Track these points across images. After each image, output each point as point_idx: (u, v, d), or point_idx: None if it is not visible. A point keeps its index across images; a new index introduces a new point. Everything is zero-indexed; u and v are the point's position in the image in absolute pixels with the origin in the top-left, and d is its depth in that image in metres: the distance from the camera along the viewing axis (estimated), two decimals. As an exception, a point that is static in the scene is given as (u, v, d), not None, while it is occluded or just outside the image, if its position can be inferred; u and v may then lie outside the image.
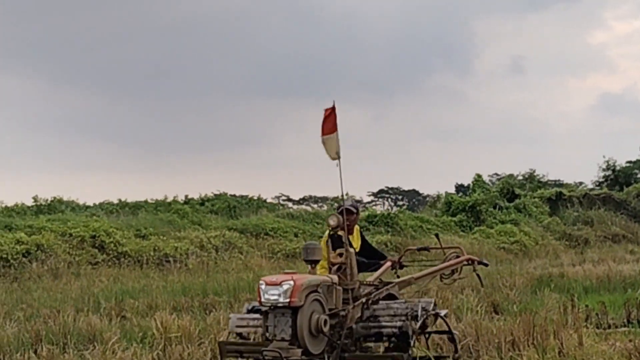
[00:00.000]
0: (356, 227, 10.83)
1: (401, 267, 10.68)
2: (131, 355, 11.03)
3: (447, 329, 9.69)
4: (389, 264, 10.47)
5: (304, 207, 54.46)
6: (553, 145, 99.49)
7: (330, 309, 8.54)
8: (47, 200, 38.99)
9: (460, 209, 45.43)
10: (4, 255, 27.44)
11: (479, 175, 51.59)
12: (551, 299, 17.64)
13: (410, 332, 8.73)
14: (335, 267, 9.04)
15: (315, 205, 58.52)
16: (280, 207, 48.52)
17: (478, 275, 10.57)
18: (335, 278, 8.76)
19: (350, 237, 10.42)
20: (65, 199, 40.08)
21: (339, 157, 8.82)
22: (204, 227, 35.71)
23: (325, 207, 54.12)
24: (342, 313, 8.66)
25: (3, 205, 35.93)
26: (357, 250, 10.42)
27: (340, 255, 9.03)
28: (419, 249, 10.93)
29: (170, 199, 42.23)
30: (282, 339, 8.22)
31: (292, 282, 8.18)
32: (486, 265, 10.67)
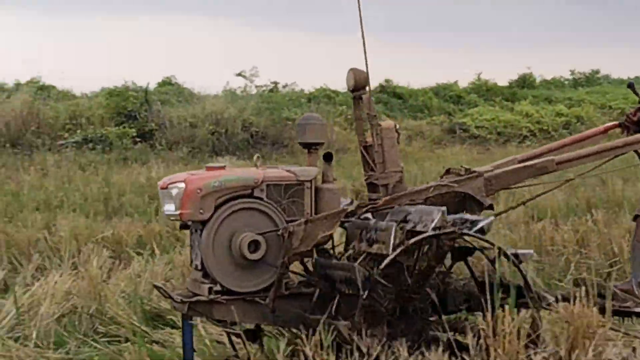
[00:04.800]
0: None
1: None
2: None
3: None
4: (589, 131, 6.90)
5: None
6: None
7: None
8: (584, 73, 38.78)
9: None
10: (545, 127, 28.11)
11: None
12: None
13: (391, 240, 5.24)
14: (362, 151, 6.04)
15: None
16: None
17: None
18: (310, 171, 5.76)
19: None
20: (602, 72, 39.56)
21: None
22: None
23: None
24: (281, 231, 5.59)
25: (542, 79, 36.51)
26: None
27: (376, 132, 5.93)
28: None
29: None
30: (196, 268, 5.77)
31: (182, 185, 5.57)
32: None
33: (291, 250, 5.51)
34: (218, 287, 5.57)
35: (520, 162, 6.25)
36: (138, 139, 23.16)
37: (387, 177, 5.92)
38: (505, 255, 5.40)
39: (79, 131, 23.38)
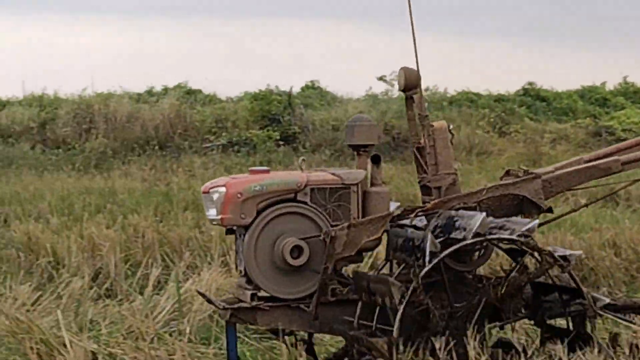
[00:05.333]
0: None
1: None
2: None
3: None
4: None
5: None
6: None
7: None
8: None
9: None
10: None
11: None
12: None
13: None
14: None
15: None
16: None
17: None
18: (355, 175, 5.63)
19: None
20: None
21: None
22: None
23: None
24: (323, 236, 5.45)
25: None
26: None
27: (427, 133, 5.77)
28: None
29: None
30: (241, 273, 5.67)
31: (223, 189, 5.49)
32: None
33: (334, 255, 5.34)
34: (262, 294, 5.48)
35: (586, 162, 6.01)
36: (281, 142, 23.46)
37: (439, 179, 5.74)
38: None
39: (224, 134, 23.85)
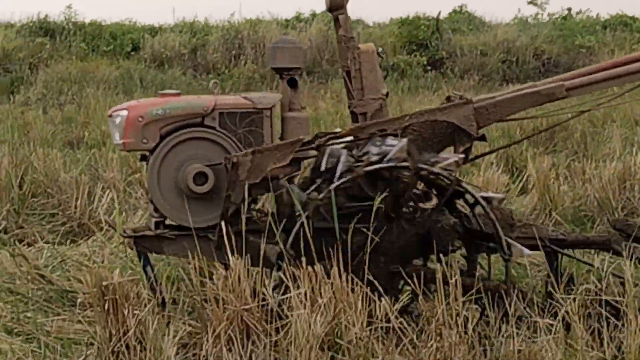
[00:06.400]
0: None
1: None
2: None
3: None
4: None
5: None
6: None
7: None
8: None
9: None
10: None
11: None
12: None
13: None
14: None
15: None
16: None
17: None
18: (268, 99, 5.29)
19: None
20: None
21: None
22: None
23: None
24: (224, 162, 5.10)
25: None
26: None
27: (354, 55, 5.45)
28: None
29: None
30: (150, 201, 5.41)
31: (125, 112, 5.18)
32: None
33: (237, 182, 5.04)
34: (169, 222, 5.28)
35: None
36: (429, 68, 23.31)
37: (364, 104, 5.46)
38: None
39: (371, 60, 23.82)
